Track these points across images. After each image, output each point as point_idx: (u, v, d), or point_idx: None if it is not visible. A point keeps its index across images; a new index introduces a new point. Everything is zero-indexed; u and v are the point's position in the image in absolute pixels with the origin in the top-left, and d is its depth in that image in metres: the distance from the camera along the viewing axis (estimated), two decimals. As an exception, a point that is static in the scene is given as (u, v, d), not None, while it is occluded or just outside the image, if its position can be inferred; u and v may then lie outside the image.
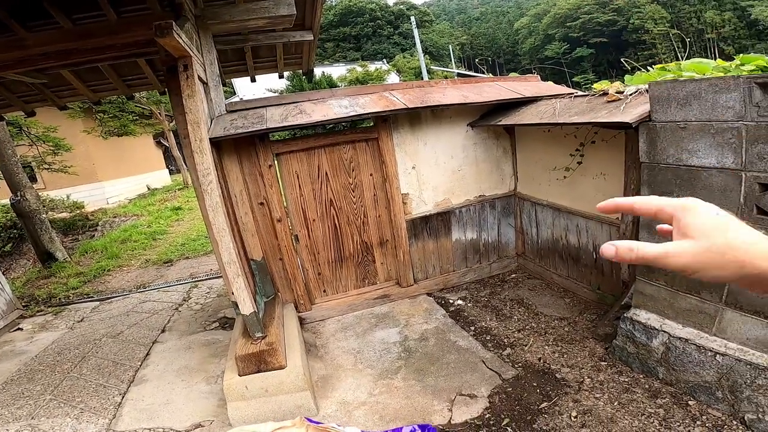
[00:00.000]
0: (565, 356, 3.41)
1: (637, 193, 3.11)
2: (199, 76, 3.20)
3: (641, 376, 3.03)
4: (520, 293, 4.60)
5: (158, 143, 21.91)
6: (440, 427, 2.88)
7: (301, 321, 4.39)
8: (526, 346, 3.63)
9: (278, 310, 3.89)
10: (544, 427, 2.72)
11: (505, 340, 3.76)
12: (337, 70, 22.46)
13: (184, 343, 4.52)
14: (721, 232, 0.50)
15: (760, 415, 2.42)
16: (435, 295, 4.81)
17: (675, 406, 2.71)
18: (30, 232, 8.24)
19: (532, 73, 6.38)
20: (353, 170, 4.38)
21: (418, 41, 18.34)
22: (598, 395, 2.92)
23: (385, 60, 30.27)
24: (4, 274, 6.24)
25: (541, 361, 3.40)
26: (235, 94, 21.57)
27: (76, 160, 12.35)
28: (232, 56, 5.47)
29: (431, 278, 4.91)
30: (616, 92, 3.19)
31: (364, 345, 3.98)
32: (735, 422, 2.51)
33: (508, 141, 4.85)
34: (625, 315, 3.20)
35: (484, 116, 4.63)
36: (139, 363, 4.21)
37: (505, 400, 3.03)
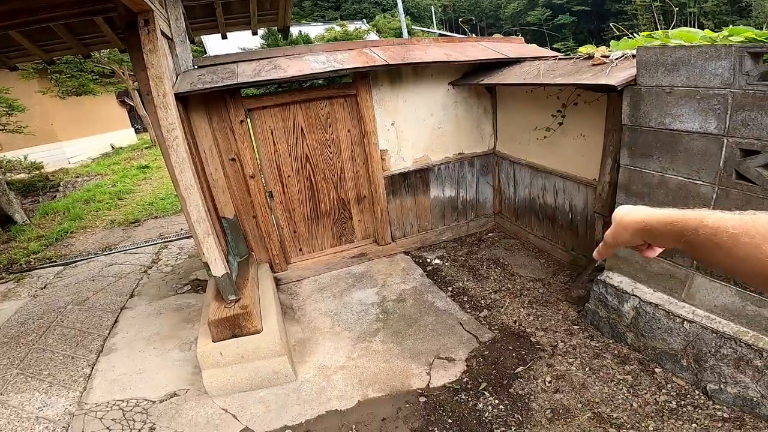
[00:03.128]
0: (539, 319, 3.48)
1: (617, 154, 3.11)
2: (162, 31, 2.97)
3: (611, 341, 3.11)
4: (497, 253, 4.65)
5: (122, 102, 20.82)
6: (419, 390, 2.91)
7: (277, 282, 4.33)
8: (502, 308, 3.69)
9: (252, 270, 3.80)
10: (520, 392, 2.79)
11: (482, 302, 3.81)
12: (314, 30, 21.47)
13: (155, 309, 4.39)
14: (620, 217, 0.80)
15: (722, 386, 2.50)
16: (413, 254, 4.81)
17: (642, 373, 2.79)
18: (-16, 193, 7.75)
19: (515, 36, 6.23)
20: (330, 126, 4.22)
21: (399, 1, 17.63)
22: (570, 360, 2.99)
23: (364, 20, 29.04)
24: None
25: (517, 323, 3.46)
26: (206, 52, 20.40)
27: (32, 120, 11.65)
28: (200, 12, 5.06)
29: (409, 236, 4.90)
30: (602, 56, 3.14)
31: (341, 306, 3.96)
32: (697, 392, 2.59)
33: (489, 100, 4.77)
34: (598, 278, 3.25)
35: (466, 75, 4.51)
36: (108, 331, 4.07)
37: (482, 364, 3.08)
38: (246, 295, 3.21)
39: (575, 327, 3.33)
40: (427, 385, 2.95)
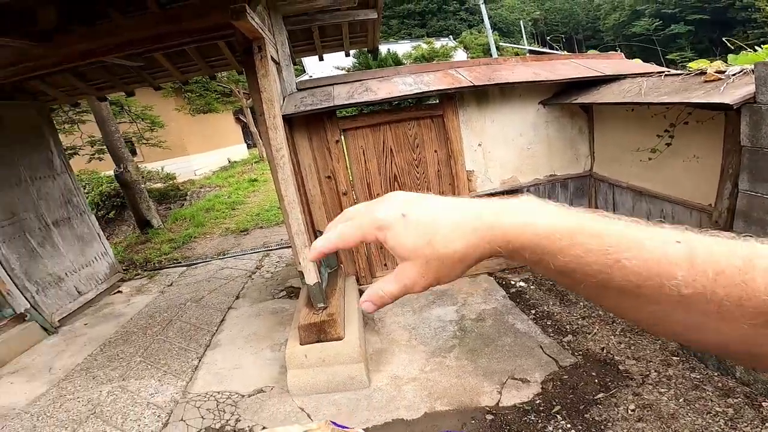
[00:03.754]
0: (632, 348, 3.17)
1: (736, 178, 2.73)
2: (271, 56, 3.29)
3: (716, 374, 2.76)
4: (589, 281, 4.30)
5: (237, 119, 23.13)
6: (488, 408, 2.81)
7: (361, 294, 4.45)
8: (589, 334, 3.41)
9: (340, 282, 3.97)
10: (597, 418, 2.57)
11: (568, 327, 3.56)
12: (402, 48, 21.95)
13: (255, 311, 4.77)
14: (423, 240, 0.42)
15: None
16: (496, 276, 4.65)
17: (747, 406, 2.47)
18: (131, 200, 9.13)
19: (615, 50, 5.82)
20: (417, 147, 4.30)
21: (486, 17, 17.33)
22: (662, 390, 2.70)
23: (451, 36, 28.99)
24: (108, 239, 6.89)
25: (605, 351, 3.19)
26: (304, 71, 22.01)
27: (168, 135, 13.43)
28: (300, 36, 5.55)
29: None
30: (716, 72, 2.81)
31: (420, 321, 3.96)
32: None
33: (584, 120, 4.48)
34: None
35: (558, 94, 4.31)
36: (215, 328, 4.48)
37: (559, 388, 2.89)
38: (333, 304, 3.37)
39: (674, 358, 2.97)
40: (497, 403, 2.84)
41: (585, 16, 51.10)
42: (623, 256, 0.35)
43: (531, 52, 23.17)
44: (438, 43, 21.67)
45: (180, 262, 7.07)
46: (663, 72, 3.60)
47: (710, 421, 2.40)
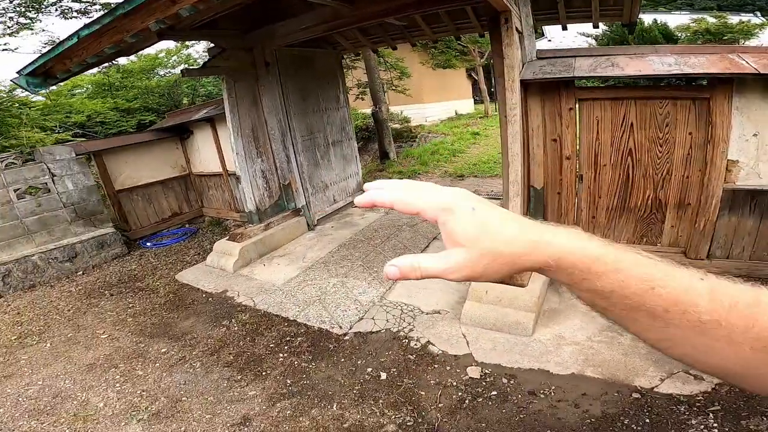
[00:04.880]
0: None
1: None
2: (516, 26, 3.45)
3: None
4: None
5: (469, 76, 23.46)
6: (639, 388, 2.64)
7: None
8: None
9: (539, 239, 4.09)
10: (753, 428, 2.24)
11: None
12: (676, 19, 17.06)
13: (454, 246, 5.29)
14: (486, 234, 0.45)
15: None
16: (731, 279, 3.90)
17: None
18: (379, 134, 10.87)
19: None
20: (667, 126, 3.78)
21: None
22: None
23: (758, 13, 20.72)
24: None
25: None
26: (543, 36, 20.14)
27: (410, 84, 14.88)
28: (543, 5, 5.28)
29: (733, 260, 3.93)
30: None
31: (611, 297, 3.77)
32: None
33: None
34: None
35: None
36: (420, 251, 5.02)
37: (734, 393, 2.51)
38: (526, 255, 3.58)
39: None
40: (652, 387, 2.62)
41: None
42: (657, 284, 0.41)
43: None
44: (734, 18, 16.10)
45: (404, 192, 8.16)
46: None
47: None
